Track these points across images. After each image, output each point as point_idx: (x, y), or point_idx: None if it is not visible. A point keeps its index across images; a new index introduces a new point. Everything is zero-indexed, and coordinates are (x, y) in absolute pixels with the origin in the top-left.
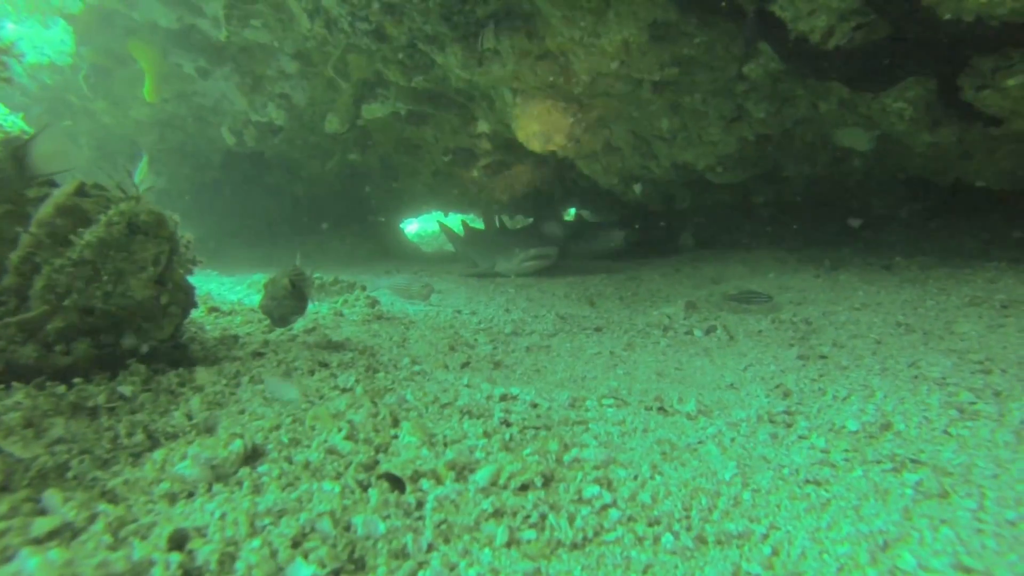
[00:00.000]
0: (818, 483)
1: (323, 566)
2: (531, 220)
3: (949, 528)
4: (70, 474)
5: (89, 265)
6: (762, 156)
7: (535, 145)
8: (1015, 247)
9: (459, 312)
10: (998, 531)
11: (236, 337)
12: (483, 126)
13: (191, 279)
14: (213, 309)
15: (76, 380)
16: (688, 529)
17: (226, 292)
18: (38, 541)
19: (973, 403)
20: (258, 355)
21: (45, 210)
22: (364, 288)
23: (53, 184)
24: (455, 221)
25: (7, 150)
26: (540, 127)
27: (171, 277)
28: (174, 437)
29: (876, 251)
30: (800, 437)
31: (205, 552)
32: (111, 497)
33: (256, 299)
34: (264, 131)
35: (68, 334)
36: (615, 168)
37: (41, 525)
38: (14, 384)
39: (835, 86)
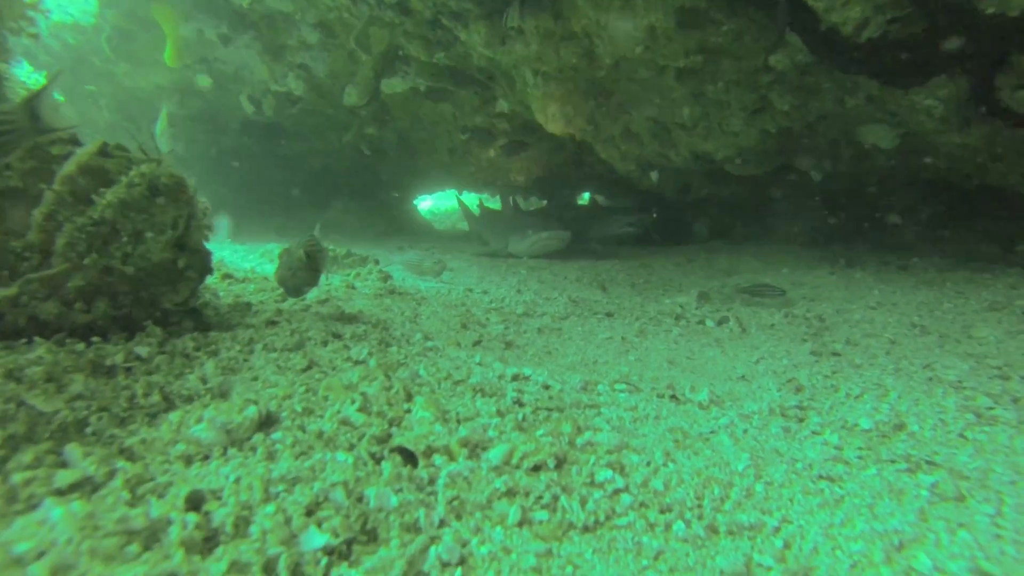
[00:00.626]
0: (831, 479)
1: (336, 535)
2: (545, 202)
3: (967, 532)
4: (89, 430)
5: (109, 225)
6: (783, 149)
7: (554, 127)
8: None
9: (471, 291)
10: (1017, 538)
11: (249, 304)
12: (502, 105)
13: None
14: (227, 276)
15: (94, 339)
16: (700, 518)
17: (239, 260)
18: (61, 492)
19: (991, 408)
20: (272, 323)
21: (68, 168)
22: (377, 262)
23: (76, 143)
24: (472, 200)
25: (20, 102)
26: (560, 109)
27: (189, 241)
28: (189, 400)
29: (892, 251)
30: (813, 432)
31: (221, 515)
32: (129, 455)
33: (269, 268)
34: (283, 101)
35: (88, 292)
36: (633, 154)
37: (63, 477)
38: (36, 339)
39: (863, 81)
